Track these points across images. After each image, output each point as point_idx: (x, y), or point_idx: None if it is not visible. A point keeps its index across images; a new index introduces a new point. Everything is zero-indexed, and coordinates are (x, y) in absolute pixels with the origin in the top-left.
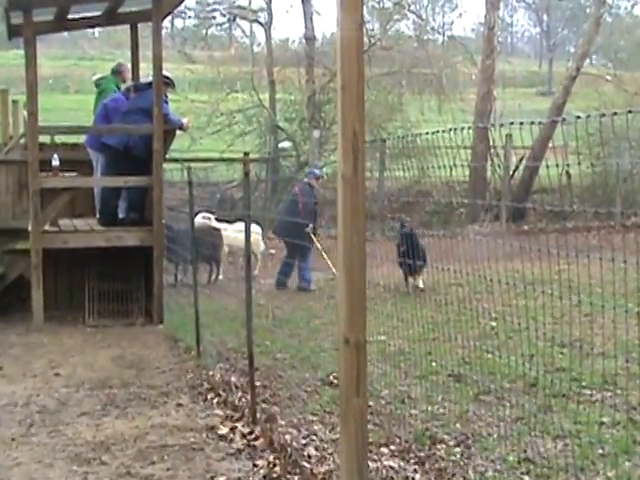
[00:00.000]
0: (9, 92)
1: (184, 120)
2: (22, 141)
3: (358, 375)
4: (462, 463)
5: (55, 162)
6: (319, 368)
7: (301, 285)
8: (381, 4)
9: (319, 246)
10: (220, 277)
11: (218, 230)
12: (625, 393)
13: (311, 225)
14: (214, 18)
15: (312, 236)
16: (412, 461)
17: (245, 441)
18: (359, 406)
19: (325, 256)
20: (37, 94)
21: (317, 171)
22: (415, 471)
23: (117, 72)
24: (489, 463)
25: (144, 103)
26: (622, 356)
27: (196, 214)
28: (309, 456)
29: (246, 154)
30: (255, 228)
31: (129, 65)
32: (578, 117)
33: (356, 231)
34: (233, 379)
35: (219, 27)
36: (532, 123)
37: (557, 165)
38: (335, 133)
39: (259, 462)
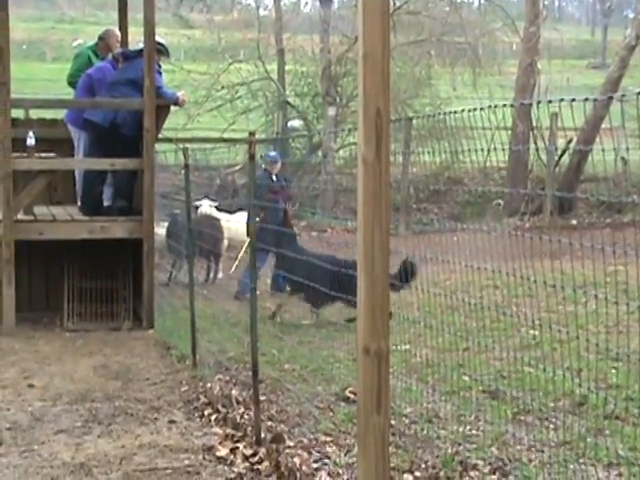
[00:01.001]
0: None
1: (180, 94)
2: None
3: (379, 389)
4: None
5: (30, 141)
6: (333, 381)
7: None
8: None
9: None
10: (220, 275)
11: (218, 221)
12: None
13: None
14: None
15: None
16: None
17: (247, 464)
18: (380, 425)
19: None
20: (9, 61)
21: (271, 154)
22: None
23: (101, 39)
24: None
25: (134, 74)
26: None
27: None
28: None
29: (251, 134)
30: None
31: (117, 31)
32: (639, 93)
33: (378, 224)
34: (234, 393)
35: None
36: (586, 99)
37: (614, 149)
38: (353, 110)
39: None
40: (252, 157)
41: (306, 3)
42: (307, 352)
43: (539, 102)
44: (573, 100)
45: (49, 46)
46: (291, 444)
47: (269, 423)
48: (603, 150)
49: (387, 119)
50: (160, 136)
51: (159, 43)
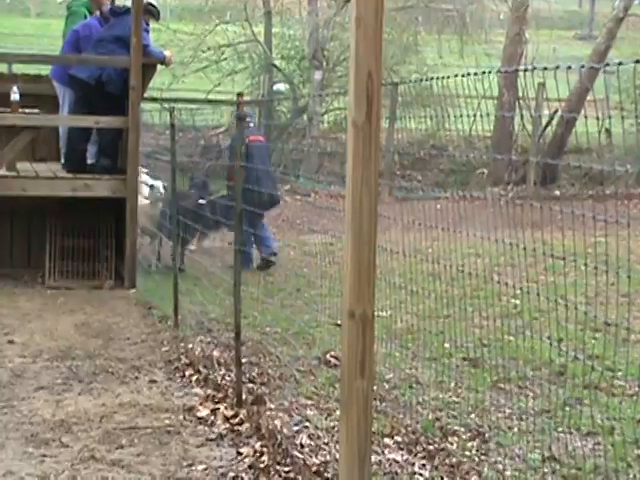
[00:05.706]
0: None
1: (167, 53)
2: None
3: (364, 353)
4: (477, 459)
5: (14, 96)
6: (315, 345)
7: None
8: None
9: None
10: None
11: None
12: None
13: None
14: None
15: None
16: (420, 455)
17: (228, 425)
18: (363, 389)
19: None
20: None
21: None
22: (423, 466)
23: None
24: (508, 460)
25: (121, 31)
26: None
27: None
28: (302, 445)
29: (240, 95)
30: None
31: None
32: (637, 62)
33: (367, 188)
34: (215, 354)
35: None
36: (582, 66)
37: (598, 118)
38: (340, 75)
39: (244, 450)
40: (241, 118)
41: None
42: (289, 315)
43: (534, 68)
44: (569, 67)
45: (33, 1)
46: (272, 406)
47: (250, 385)
48: (598, 119)
49: (378, 82)
50: (145, 95)
51: (151, 4)
